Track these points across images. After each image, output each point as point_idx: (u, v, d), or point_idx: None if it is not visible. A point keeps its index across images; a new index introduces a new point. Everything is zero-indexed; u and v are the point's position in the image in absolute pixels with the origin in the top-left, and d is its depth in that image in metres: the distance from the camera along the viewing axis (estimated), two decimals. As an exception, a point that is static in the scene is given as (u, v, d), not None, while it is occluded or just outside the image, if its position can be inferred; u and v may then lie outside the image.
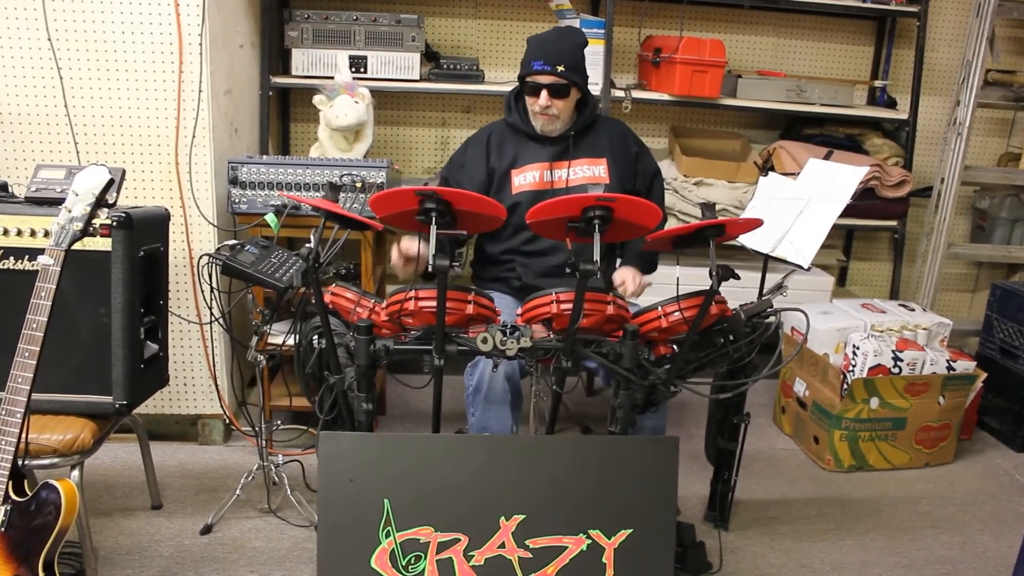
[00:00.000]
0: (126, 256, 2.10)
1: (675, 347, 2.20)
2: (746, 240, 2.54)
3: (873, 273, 4.23)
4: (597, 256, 1.84)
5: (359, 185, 2.75)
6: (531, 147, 2.63)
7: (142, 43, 2.65)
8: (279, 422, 2.87)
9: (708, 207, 2.05)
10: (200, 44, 2.67)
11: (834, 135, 3.80)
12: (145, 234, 2.19)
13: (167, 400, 2.93)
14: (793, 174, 2.83)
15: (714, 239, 1.98)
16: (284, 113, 3.71)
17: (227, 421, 2.99)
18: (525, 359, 2.15)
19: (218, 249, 2.38)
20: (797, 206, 2.51)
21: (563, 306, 2.01)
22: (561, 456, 2.03)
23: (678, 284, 2.11)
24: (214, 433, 3.01)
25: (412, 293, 2.02)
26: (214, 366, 2.91)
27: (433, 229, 1.84)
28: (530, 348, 2.04)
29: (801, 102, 3.63)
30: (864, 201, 3.55)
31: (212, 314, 2.60)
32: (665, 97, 3.51)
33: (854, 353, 3.00)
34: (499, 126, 2.69)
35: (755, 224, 2.08)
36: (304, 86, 3.35)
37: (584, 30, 3.29)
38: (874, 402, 2.99)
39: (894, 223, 3.78)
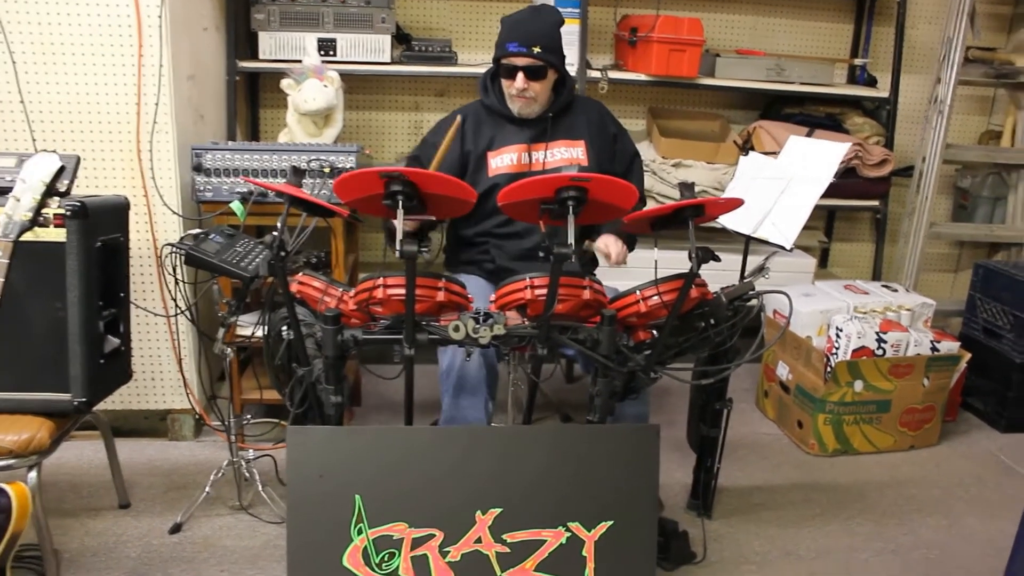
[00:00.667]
0: (81, 247, 2.01)
1: (655, 332, 2.14)
2: (727, 221, 2.47)
3: (855, 254, 4.19)
4: (572, 239, 1.78)
5: (327, 170, 2.67)
6: (508, 129, 2.56)
7: (98, 25, 2.54)
8: (249, 416, 2.79)
9: (687, 187, 1.98)
10: (160, 27, 2.57)
11: (814, 114, 3.75)
12: (102, 224, 2.11)
13: (135, 395, 2.84)
14: (773, 153, 2.77)
15: (693, 220, 1.92)
16: (253, 99, 3.61)
17: (197, 416, 2.91)
18: (499, 347, 2.08)
19: (181, 239, 2.29)
20: (779, 185, 2.45)
21: (537, 291, 1.94)
22: (539, 447, 1.97)
23: (656, 267, 2.05)
24: (184, 428, 2.93)
25: (380, 280, 1.94)
26: (182, 359, 2.82)
27: (400, 214, 1.76)
28: (504, 336, 1.97)
29: (780, 81, 3.58)
30: (845, 181, 3.51)
31: (178, 306, 2.51)
32: (642, 77, 3.44)
33: (837, 335, 2.95)
34: (474, 108, 2.62)
35: (735, 204, 2.03)
36: (272, 70, 3.24)
37: (560, 9, 3.21)
38: (858, 385, 2.95)
39: (876, 203, 3.74)
